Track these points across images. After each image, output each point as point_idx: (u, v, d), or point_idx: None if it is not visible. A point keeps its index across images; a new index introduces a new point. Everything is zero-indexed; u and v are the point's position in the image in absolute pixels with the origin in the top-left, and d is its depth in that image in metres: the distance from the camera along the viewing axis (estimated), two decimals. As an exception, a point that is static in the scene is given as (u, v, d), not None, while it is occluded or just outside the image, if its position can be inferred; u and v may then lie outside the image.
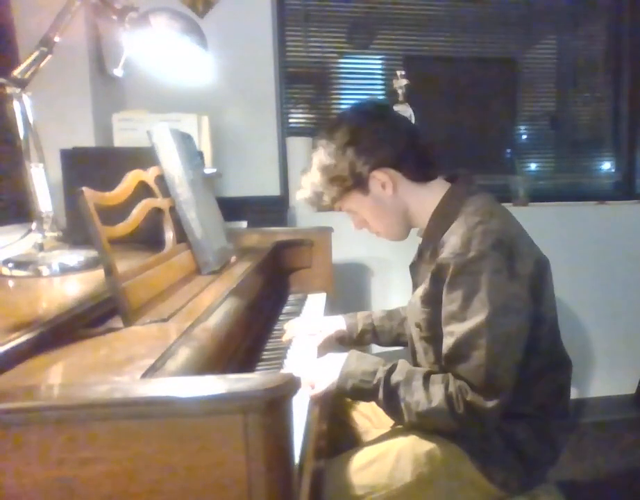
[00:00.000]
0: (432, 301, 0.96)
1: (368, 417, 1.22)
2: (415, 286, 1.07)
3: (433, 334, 0.98)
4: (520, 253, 0.92)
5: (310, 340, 1.19)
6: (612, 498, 1.84)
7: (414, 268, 1.11)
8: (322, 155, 1.01)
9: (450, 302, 0.91)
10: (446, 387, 0.89)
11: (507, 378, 0.89)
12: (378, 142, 0.98)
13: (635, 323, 2.33)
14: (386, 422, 1.12)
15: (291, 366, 1.06)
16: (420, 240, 1.07)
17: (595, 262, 2.27)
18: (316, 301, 1.54)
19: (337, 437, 1.19)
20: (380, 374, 0.93)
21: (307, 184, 1.05)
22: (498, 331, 0.87)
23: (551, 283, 1.00)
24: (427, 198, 1.02)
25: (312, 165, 1.03)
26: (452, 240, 0.92)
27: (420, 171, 1.02)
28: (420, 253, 1.07)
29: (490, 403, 0.87)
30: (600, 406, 2.30)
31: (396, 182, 1.01)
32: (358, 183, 1.00)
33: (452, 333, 0.90)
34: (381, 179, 0.99)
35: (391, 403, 0.92)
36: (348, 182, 1.00)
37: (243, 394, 0.49)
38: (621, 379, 2.35)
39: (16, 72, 1.02)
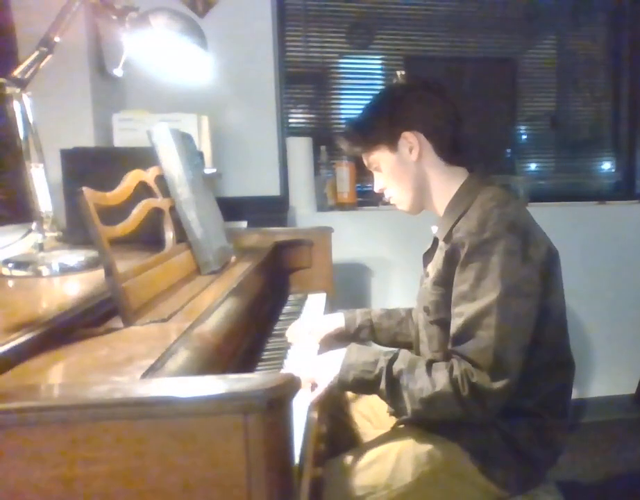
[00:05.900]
0: (444, 282, 0.97)
1: (368, 417, 1.22)
2: (426, 275, 1.08)
3: (441, 317, 0.99)
4: (534, 238, 0.93)
5: (310, 338, 1.19)
6: (612, 498, 1.85)
7: (427, 257, 1.11)
8: (378, 101, 1.08)
9: (462, 282, 0.92)
10: (451, 372, 0.88)
11: (513, 361, 0.89)
12: (422, 108, 1.03)
13: (635, 323, 2.33)
14: (386, 423, 1.12)
15: (291, 366, 1.06)
16: (435, 230, 1.07)
17: (595, 262, 2.27)
18: (316, 301, 1.54)
19: (336, 437, 1.19)
20: (382, 363, 0.92)
21: (360, 116, 1.09)
22: (507, 312, 0.88)
23: (560, 275, 1.00)
24: (449, 181, 1.04)
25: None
26: (468, 223, 0.94)
27: (450, 151, 1.04)
28: (434, 242, 1.08)
29: (496, 385, 0.86)
30: (600, 406, 2.30)
31: (424, 150, 1.03)
32: (389, 138, 1.03)
33: (461, 314, 0.91)
34: (411, 142, 1.02)
35: (394, 392, 0.91)
36: (382, 133, 1.04)
37: (244, 394, 0.49)
38: (621, 379, 2.35)
39: (16, 72, 1.02)
